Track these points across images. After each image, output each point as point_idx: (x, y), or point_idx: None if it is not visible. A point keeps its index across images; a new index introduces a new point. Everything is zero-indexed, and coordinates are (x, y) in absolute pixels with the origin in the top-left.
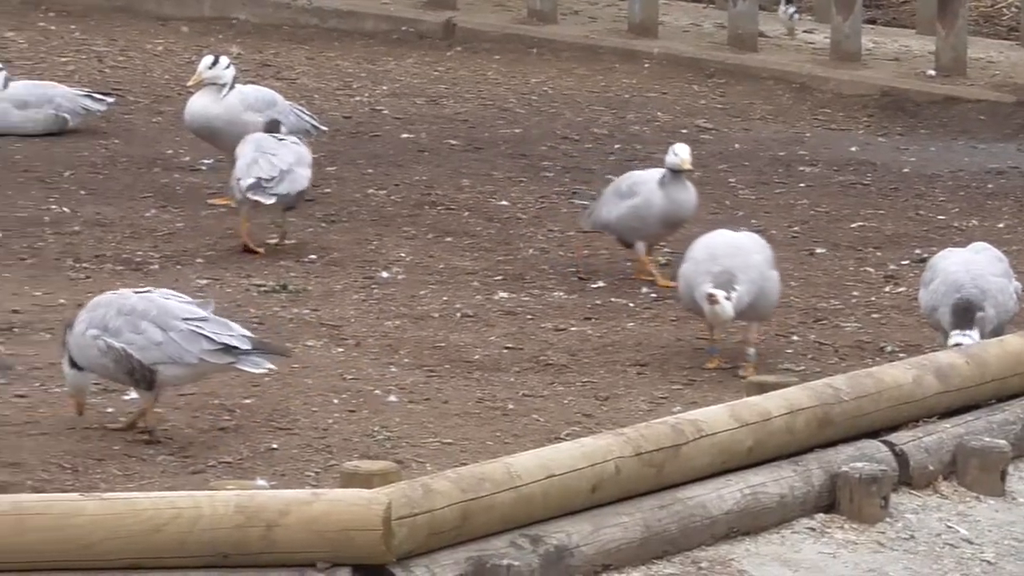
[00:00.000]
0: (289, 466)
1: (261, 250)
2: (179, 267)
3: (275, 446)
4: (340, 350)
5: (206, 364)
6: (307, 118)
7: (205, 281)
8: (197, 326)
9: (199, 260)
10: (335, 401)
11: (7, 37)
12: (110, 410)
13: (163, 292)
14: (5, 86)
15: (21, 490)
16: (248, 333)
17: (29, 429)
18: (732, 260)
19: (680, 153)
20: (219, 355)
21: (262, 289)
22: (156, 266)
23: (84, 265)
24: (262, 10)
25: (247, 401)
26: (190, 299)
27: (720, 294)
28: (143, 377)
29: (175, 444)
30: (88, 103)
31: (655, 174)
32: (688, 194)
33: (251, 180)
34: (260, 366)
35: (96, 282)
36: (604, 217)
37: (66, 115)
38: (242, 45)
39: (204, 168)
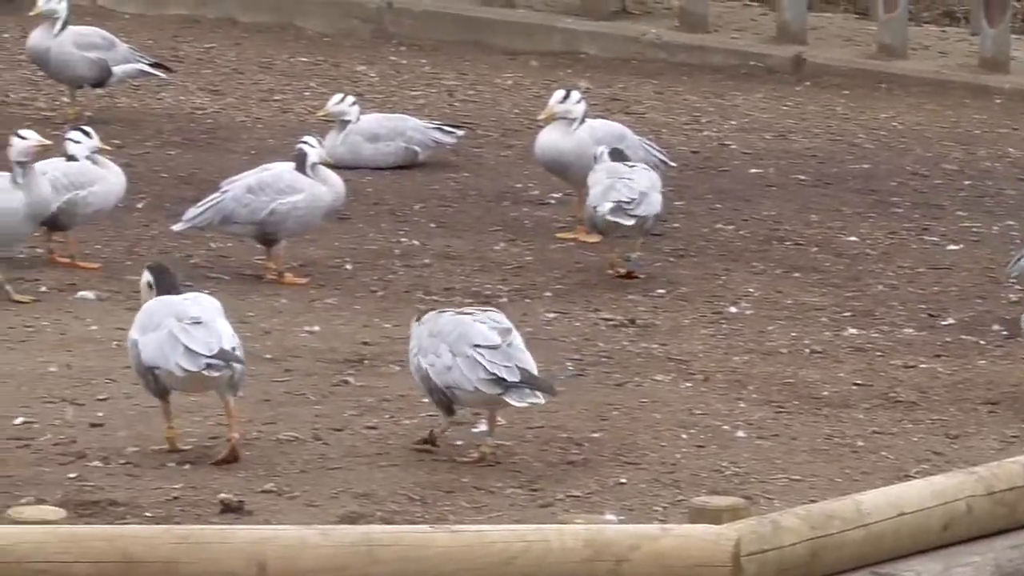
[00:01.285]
0: (637, 500)
1: (623, 271)
2: (527, 301)
3: (623, 480)
4: (688, 385)
5: (481, 393)
6: (656, 152)
7: (553, 315)
8: (481, 354)
9: (547, 294)
10: (683, 436)
11: (359, 71)
12: (459, 442)
13: (485, 315)
14: (357, 119)
15: (371, 521)
16: (525, 365)
17: (379, 460)
18: None
19: None
20: (490, 385)
21: (610, 323)
22: (505, 299)
23: (434, 298)
24: (611, 44)
25: (596, 435)
26: (505, 323)
27: None
28: (440, 400)
29: (524, 477)
30: (438, 136)
31: None
32: None
33: (610, 204)
34: (524, 399)
35: None
36: None
37: (416, 148)
38: (591, 79)
39: (553, 202)
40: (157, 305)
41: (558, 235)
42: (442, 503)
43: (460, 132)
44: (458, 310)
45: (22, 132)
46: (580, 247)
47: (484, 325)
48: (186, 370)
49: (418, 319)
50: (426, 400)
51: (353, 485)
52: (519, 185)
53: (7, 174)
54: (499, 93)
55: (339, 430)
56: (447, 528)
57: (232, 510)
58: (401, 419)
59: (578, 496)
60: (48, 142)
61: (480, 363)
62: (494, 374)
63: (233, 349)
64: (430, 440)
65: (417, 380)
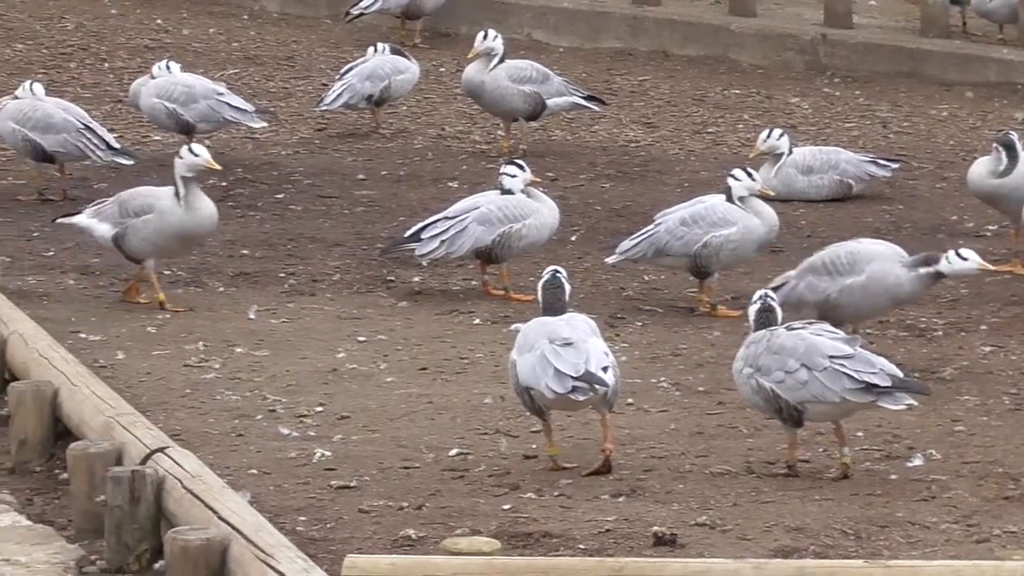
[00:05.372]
0: None
1: None
2: (963, 334)
3: None
4: None
5: (848, 402)
6: None
7: (989, 348)
8: (841, 364)
9: (983, 327)
10: None
11: (792, 103)
12: (893, 476)
13: (816, 328)
14: (789, 151)
15: (804, 555)
16: (893, 370)
17: (813, 494)
18: None
19: None
20: (860, 394)
21: None
22: (939, 332)
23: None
24: None
25: None
26: (840, 334)
27: None
28: (790, 416)
29: (959, 512)
30: (872, 169)
31: None
32: None
33: None
34: (900, 402)
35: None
36: None
37: (850, 181)
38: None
39: (988, 234)
40: (534, 326)
41: (994, 267)
42: (876, 538)
43: (895, 165)
44: (787, 325)
45: None
46: (1017, 280)
47: (824, 336)
48: (555, 392)
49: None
50: (769, 418)
51: (786, 518)
52: (954, 217)
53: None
54: (934, 124)
55: (772, 463)
56: (882, 563)
57: (665, 543)
58: (833, 452)
59: (1015, 532)
60: None
61: (844, 373)
62: (863, 382)
63: (605, 369)
64: (791, 470)
65: (757, 400)
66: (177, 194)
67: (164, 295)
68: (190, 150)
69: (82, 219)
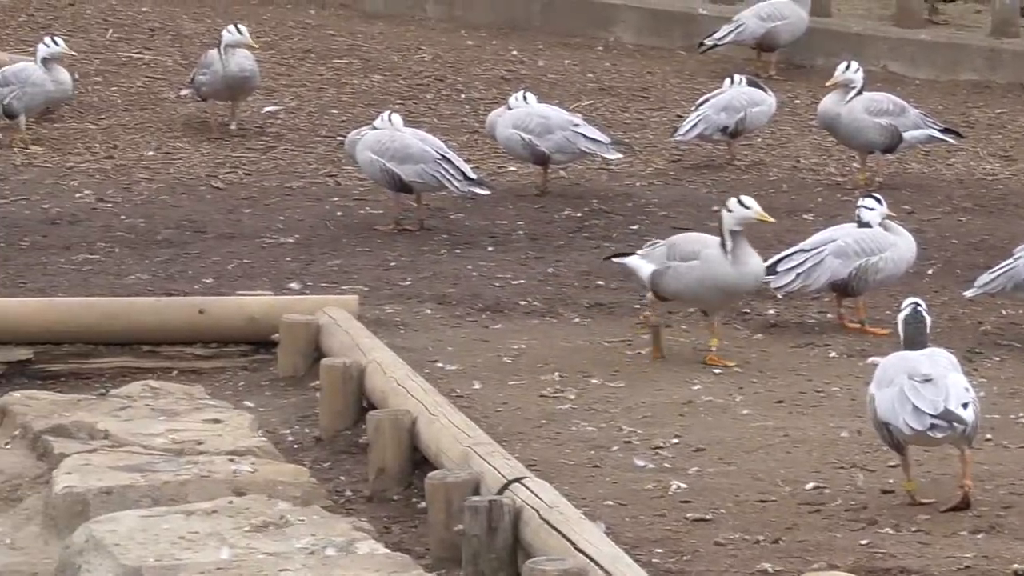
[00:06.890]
0: None
1: None
2: None
3: None
4: None
5: None
6: None
7: None
8: None
9: None
10: None
11: None
12: None
13: None
14: None
15: None
16: None
17: None
18: None
19: None
20: None
21: None
22: None
23: None
24: None
25: None
26: None
27: None
28: None
29: None
30: None
31: None
32: None
33: None
34: None
35: None
36: None
37: None
38: None
39: None
40: (894, 360)
41: None
42: None
43: None
44: None
45: None
46: None
47: None
48: (913, 429)
49: None
50: None
51: None
52: None
53: None
54: None
55: None
56: None
57: None
58: None
59: None
60: None
61: None
62: None
63: (965, 406)
64: None
65: None
66: (724, 246)
67: (718, 342)
68: (740, 202)
69: (633, 260)
